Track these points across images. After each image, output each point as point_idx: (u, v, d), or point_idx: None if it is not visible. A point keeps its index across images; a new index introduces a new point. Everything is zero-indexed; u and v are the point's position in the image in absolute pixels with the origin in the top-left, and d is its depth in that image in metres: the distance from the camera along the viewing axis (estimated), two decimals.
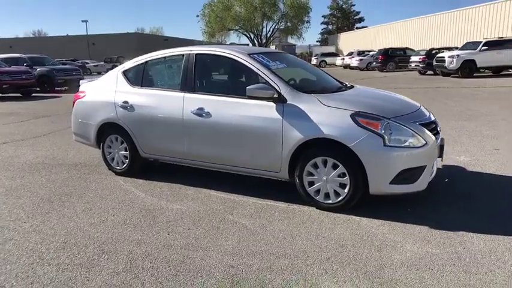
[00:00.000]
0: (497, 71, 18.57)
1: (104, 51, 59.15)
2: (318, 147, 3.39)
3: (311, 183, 3.50)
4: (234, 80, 4.44)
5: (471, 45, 18.30)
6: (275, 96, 3.52)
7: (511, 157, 4.95)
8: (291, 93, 3.53)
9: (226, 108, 3.78)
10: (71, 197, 4.04)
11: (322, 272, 2.52)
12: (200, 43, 63.50)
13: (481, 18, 23.39)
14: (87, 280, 2.50)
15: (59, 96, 15.35)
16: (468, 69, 17.37)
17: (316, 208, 3.51)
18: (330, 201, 3.44)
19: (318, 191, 3.48)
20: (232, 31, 52.78)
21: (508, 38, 17.86)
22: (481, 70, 18.05)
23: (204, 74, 4.29)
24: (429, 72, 21.17)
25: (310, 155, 3.43)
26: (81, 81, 5.19)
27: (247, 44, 46.73)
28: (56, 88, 17.54)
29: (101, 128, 4.67)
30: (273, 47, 53.25)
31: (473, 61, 17.34)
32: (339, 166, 3.31)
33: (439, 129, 3.65)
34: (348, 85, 4.29)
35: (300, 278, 2.46)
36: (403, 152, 3.18)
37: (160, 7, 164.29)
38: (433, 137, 3.38)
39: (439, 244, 2.83)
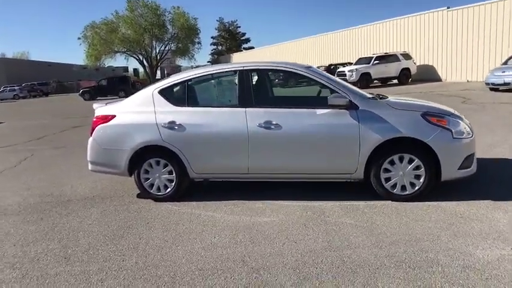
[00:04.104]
0: (384, 82, 21.84)
1: None
2: (394, 146, 3.84)
3: (387, 179, 3.92)
4: (297, 92, 4.62)
5: (364, 60, 21.20)
6: (348, 103, 3.87)
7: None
8: (361, 100, 3.93)
9: (296, 119, 3.98)
10: (138, 229, 3.70)
11: (463, 245, 2.96)
12: (84, 67, 58.81)
13: (365, 37, 27.18)
14: None
15: None
16: (365, 80, 20.06)
17: (392, 201, 3.94)
18: (407, 193, 3.91)
19: (394, 186, 3.92)
20: (119, 53, 50.51)
21: (391, 53, 21.18)
22: (373, 81, 20.98)
23: (263, 88, 4.40)
24: None
25: (387, 153, 3.86)
26: (94, 105, 4.72)
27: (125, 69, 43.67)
28: None
29: (136, 153, 4.34)
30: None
31: (368, 74, 20.14)
32: (414, 160, 3.82)
33: None
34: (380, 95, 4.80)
35: (456, 252, 2.86)
36: (464, 141, 3.85)
37: (23, 31, 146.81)
38: None
39: None
